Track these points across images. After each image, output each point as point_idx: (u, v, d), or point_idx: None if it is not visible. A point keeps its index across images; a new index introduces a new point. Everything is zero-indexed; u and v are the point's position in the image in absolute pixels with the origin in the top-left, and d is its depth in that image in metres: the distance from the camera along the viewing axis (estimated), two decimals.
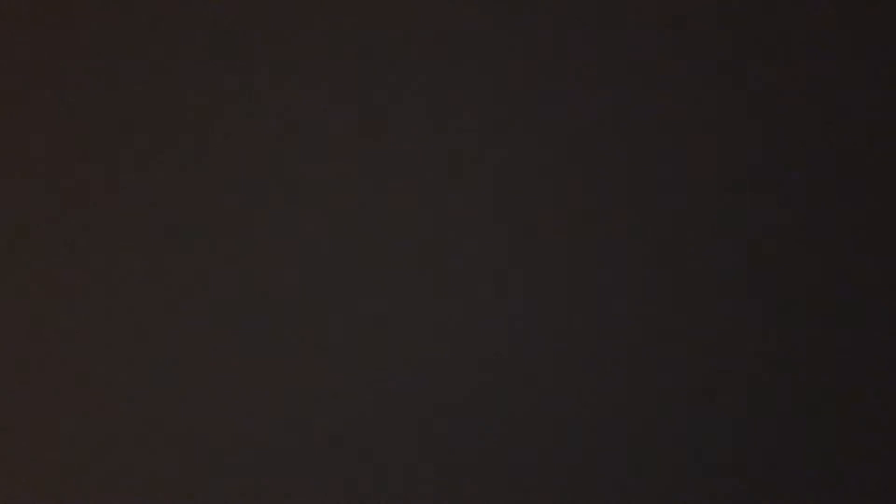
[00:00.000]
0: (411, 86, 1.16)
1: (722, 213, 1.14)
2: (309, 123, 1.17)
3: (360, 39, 1.17)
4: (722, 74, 1.15)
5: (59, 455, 1.16)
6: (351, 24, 1.17)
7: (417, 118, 1.16)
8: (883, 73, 1.14)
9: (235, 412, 1.16)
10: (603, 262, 1.14)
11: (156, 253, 1.16)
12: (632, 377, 1.14)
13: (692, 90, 1.15)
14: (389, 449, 1.15)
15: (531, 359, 1.14)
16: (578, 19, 1.16)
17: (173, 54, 1.17)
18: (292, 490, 1.15)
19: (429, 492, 1.15)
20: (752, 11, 1.15)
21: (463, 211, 1.15)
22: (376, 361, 1.15)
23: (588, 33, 1.15)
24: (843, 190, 1.14)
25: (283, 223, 1.16)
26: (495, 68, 1.16)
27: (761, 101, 1.15)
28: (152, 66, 1.17)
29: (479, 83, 1.16)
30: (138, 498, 1.15)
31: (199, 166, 1.17)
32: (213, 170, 1.17)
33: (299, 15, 1.17)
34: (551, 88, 1.15)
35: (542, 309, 1.14)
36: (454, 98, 1.16)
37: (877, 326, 1.13)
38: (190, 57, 1.17)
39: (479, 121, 1.15)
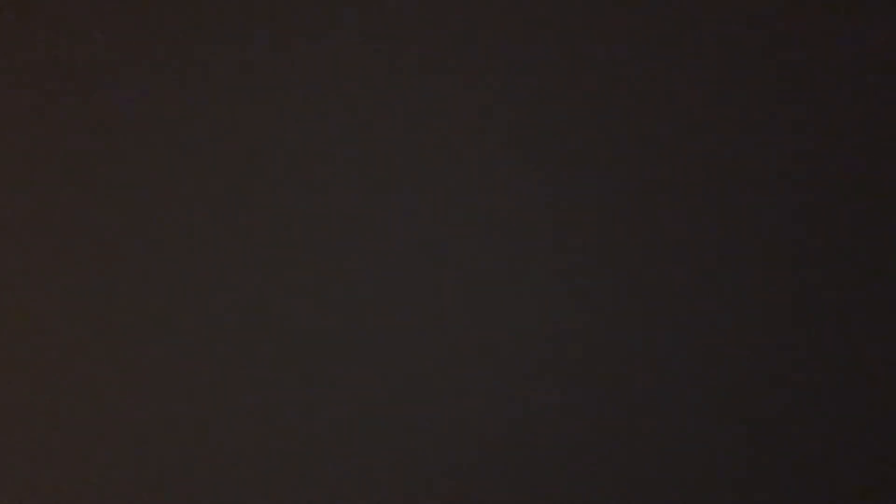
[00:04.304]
0: (419, 88, 1.16)
1: (731, 215, 1.14)
2: (312, 121, 1.17)
3: (363, 40, 1.17)
4: (732, 74, 1.15)
5: (58, 456, 1.17)
6: (355, 22, 1.17)
7: (428, 121, 1.16)
8: (883, 74, 1.14)
9: (237, 415, 1.16)
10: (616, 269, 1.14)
11: (154, 254, 1.16)
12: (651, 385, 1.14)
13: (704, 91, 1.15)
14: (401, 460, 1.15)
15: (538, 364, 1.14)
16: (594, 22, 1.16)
17: (172, 51, 1.17)
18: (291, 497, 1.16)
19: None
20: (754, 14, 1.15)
21: (470, 214, 1.15)
22: (382, 365, 1.15)
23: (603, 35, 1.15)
24: (845, 190, 1.14)
25: (294, 225, 1.16)
26: (509, 69, 1.16)
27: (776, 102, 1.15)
28: (151, 66, 1.17)
29: (492, 84, 1.16)
30: (138, 498, 1.16)
31: (201, 164, 1.17)
32: (213, 168, 1.17)
33: (301, 12, 1.17)
34: (563, 91, 1.15)
35: (550, 315, 1.14)
36: (466, 98, 1.16)
37: (879, 328, 1.13)
38: (190, 54, 1.17)
39: (497, 121, 1.15)
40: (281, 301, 1.16)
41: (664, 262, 1.14)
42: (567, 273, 1.14)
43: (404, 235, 1.15)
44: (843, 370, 1.13)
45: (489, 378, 1.14)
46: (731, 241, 1.14)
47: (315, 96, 1.16)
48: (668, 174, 1.14)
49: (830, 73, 1.14)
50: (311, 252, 1.16)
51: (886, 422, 1.12)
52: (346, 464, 1.15)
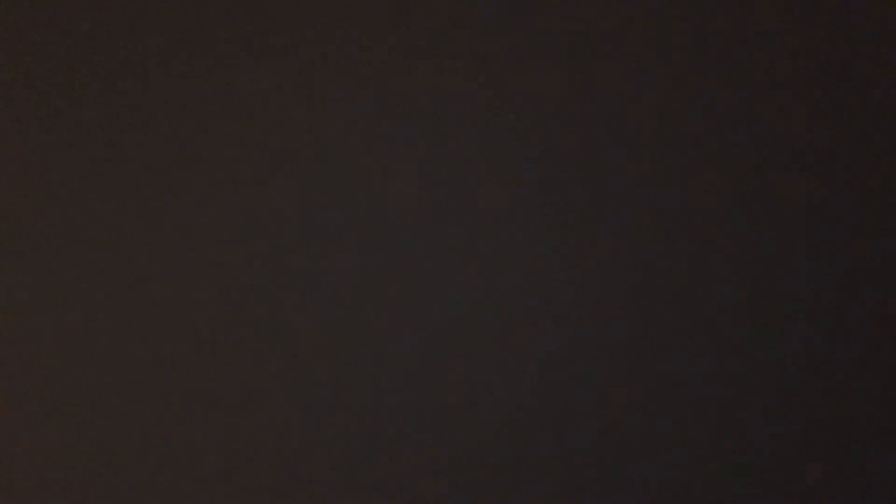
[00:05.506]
0: (419, 87, 1.16)
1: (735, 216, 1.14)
2: (312, 121, 1.17)
3: (366, 37, 1.17)
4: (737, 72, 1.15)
5: (58, 459, 1.16)
6: (357, 21, 1.17)
7: (430, 120, 1.16)
8: (883, 73, 1.14)
9: (238, 415, 1.16)
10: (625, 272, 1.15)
11: (154, 254, 1.16)
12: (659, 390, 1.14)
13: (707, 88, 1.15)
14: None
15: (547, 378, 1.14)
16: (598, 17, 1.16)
17: (167, 51, 1.17)
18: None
19: None
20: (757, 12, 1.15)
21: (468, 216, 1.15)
22: (381, 373, 1.15)
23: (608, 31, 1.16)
24: (845, 190, 1.14)
25: (295, 223, 1.16)
26: (516, 67, 1.16)
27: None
28: (147, 68, 1.17)
29: (492, 82, 1.16)
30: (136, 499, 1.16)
31: (200, 163, 1.17)
32: (213, 167, 1.17)
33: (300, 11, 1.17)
34: (571, 90, 1.16)
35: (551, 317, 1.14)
36: (464, 97, 1.16)
37: (878, 329, 1.13)
38: (185, 54, 1.17)
39: (501, 123, 1.15)
40: (280, 299, 1.16)
41: (665, 263, 1.14)
42: (567, 272, 1.15)
43: (403, 235, 1.15)
44: (843, 369, 1.13)
45: (489, 377, 1.15)
46: (731, 241, 1.14)
47: (316, 96, 1.16)
48: (670, 173, 1.15)
49: (830, 73, 1.15)
50: (313, 251, 1.16)
51: (886, 421, 1.12)
52: (346, 464, 1.15)
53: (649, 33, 1.15)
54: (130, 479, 1.15)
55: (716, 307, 1.14)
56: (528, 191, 1.15)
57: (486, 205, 1.15)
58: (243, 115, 1.17)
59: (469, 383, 1.14)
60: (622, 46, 1.15)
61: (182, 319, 1.16)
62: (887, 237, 1.13)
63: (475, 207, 1.15)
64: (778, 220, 1.14)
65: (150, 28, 1.18)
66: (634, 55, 1.15)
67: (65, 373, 1.16)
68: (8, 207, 1.17)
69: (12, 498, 1.15)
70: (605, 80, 1.15)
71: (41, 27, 1.18)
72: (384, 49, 1.16)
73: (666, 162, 1.15)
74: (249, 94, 1.17)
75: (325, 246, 1.16)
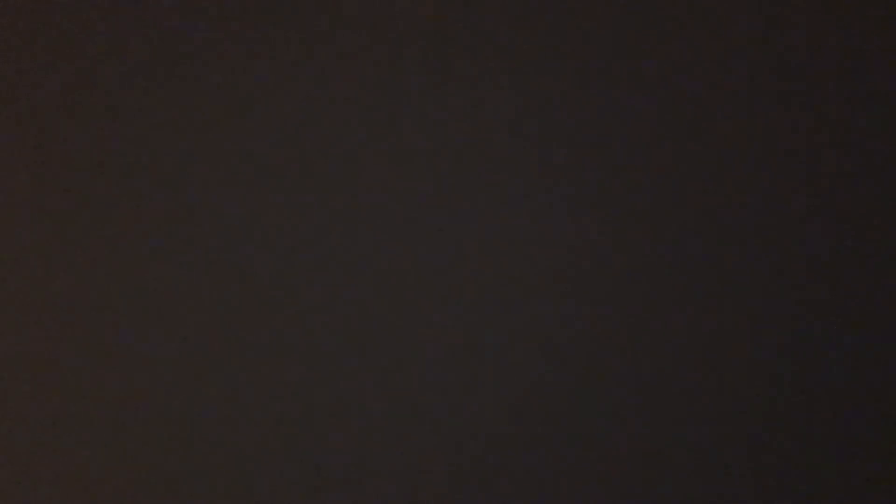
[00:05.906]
0: (423, 87, 1.16)
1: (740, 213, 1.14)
2: (311, 119, 1.17)
3: (367, 34, 1.17)
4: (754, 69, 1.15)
5: (56, 455, 1.16)
6: (359, 18, 1.17)
7: (430, 118, 1.16)
8: (883, 73, 1.14)
9: (237, 416, 1.15)
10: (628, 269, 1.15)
11: (152, 254, 1.16)
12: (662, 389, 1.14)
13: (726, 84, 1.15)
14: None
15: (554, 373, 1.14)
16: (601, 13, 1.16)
17: (172, 52, 1.17)
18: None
19: None
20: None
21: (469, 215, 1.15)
22: (382, 368, 1.15)
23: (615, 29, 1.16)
24: (845, 190, 1.14)
25: (298, 224, 1.16)
26: (516, 66, 1.16)
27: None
28: (150, 69, 1.17)
29: (500, 82, 1.16)
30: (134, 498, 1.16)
31: (200, 164, 1.17)
32: (213, 168, 1.17)
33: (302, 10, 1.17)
34: (573, 87, 1.16)
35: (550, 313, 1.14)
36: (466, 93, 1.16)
37: (879, 328, 1.13)
38: (189, 54, 1.17)
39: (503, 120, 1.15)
40: (281, 301, 1.16)
41: (666, 263, 1.14)
42: (567, 272, 1.15)
43: (405, 235, 1.15)
44: (843, 369, 1.13)
45: (489, 378, 1.14)
46: (732, 241, 1.14)
47: (318, 98, 1.16)
48: (670, 175, 1.15)
49: (831, 73, 1.15)
50: (315, 253, 1.16)
51: (886, 422, 1.12)
52: (346, 463, 1.15)
53: (654, 33, 1.15)
54: (129, 480, 1.15)
55: (717, 307, 1.14)
56: (527, 190, 1.15)
57: (485, 205, 1.15)
58: (244, 114, 1.17)
59: (469, 383, 1.14)
60: (618, 45, 1.16)
61: (183, 321, 1.16)
62: (888, 237, 1.13)
63: (474, 207, 1.15)
64: (779, 220, 1.14)
65: (148, 28, 1.18)
66: (628, 55, 1.15)
67: (63, 373, 1.16)
68: (8, 207, 1.17)
69: (12, 498, 1.15)
70: (600, 79, 1.16)
71: (41, 27, 1.18)
72: (383, 49, 1.16)
73: (667, 160, 1.15)
74: (251, 93, 1.17)
75: (324, 246, 1.16)
